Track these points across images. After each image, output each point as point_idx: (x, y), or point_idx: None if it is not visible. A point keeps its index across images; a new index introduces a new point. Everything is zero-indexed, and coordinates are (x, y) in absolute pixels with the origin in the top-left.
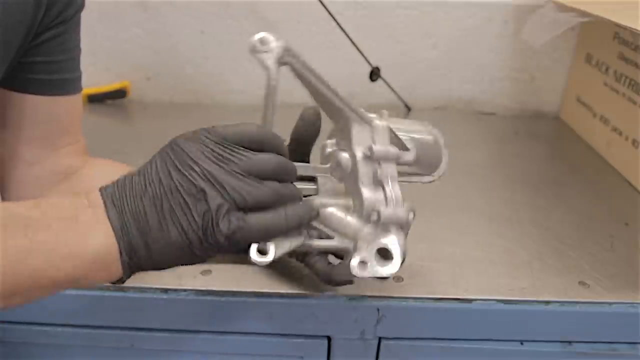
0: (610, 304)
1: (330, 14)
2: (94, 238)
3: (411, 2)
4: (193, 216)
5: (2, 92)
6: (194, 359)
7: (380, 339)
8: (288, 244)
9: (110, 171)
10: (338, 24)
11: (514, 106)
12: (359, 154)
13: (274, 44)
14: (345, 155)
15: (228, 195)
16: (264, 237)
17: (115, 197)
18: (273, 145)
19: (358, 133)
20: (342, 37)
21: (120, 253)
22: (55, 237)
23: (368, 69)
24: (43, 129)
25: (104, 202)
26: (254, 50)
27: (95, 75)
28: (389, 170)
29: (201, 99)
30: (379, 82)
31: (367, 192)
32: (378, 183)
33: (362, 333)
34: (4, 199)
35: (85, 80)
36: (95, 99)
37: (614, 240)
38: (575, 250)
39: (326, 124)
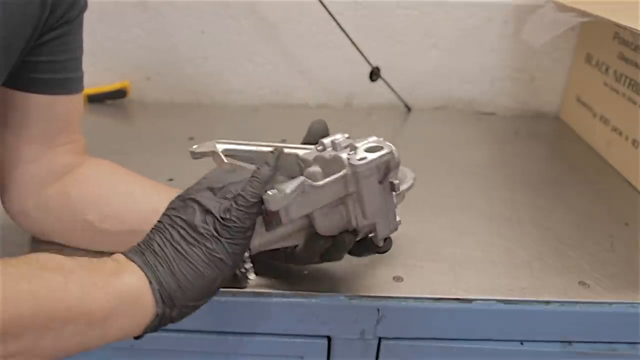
0: (610, 304)
1: (330, 14)
2: (123, 274)
3: (411, 2)
4: (202, 226)
5: (5, 91)
6: (194, 359)
7: (380, 339)
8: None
9: (106, 172)
10: (338, 24)
11: (514, 106)
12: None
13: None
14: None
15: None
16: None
17: (133, 249)
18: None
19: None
20: (342, 37)
21: (150, 282)
22: (87, 273)
23: (368, 69)
24: (44, 127)
25: (124, 254)
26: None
27: (95, 75)
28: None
29: (201, 99)
30: (379, 82)
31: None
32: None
33: (362, 333)
34: (2, 198)
35: (85, 80)
36: (95, 99)
37: (614, 240)
38: (575, 250)
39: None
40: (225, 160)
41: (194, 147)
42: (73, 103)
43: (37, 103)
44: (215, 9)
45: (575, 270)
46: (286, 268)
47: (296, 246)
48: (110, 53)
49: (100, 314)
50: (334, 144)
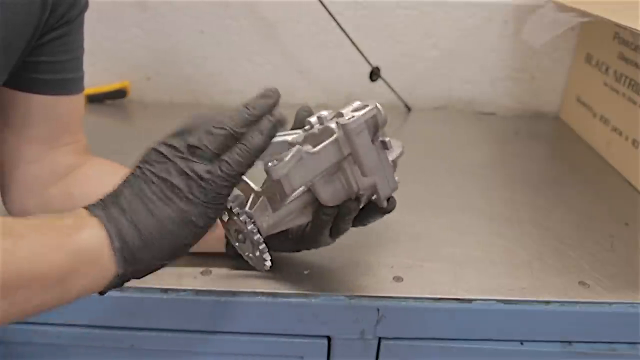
0: (610, 304)
1: (330, 14)
2: (82, 230)
3: (411, 2)
4: (177, 186)
5: (6, 91)
6: (193, 359)
7: (380, 339)
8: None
9: (108, 171)
10: (338, 24)
11: (514, 106)
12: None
13: None
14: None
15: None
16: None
17: (97, 203)
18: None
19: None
20: (342, 37)
21: (111, 239)
22: (40, 235)
23: (368, 69)
24: (45, 128)
25: (87, 208)
26: None
27: (94, 75)
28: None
29: (200, 99)
30: (379, 82)
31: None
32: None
33: (362, 333)
34: (4, 199)
35: (84, 80)
36: (95, 99)
37: (614, 240)
38: (575, 250)
39: None
40: None
41: None
42: (74, 103)
43: (38, 103)
44: (214, 9)
45: (575, 270)
46: (286, 268)
47: (305, 228)
48: (110, 53)
49: (55, 276)
50: (320, 119)
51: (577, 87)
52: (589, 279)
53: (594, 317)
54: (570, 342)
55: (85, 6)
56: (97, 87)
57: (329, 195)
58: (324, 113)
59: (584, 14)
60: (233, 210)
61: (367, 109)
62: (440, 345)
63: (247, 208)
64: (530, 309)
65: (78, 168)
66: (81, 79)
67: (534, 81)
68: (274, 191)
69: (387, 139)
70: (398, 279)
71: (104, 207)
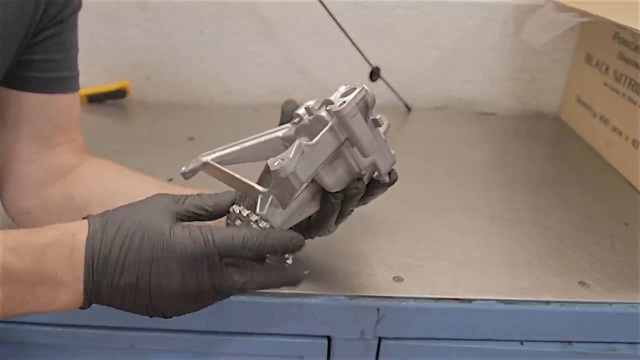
0: (610, 304)
1: (330, 14)
2: (65, 297)
3: (411, 2)
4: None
5: (0, 90)
6: (193, 359)
7: (380, 339)
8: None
9: (108, 171)
10: (338, 24)
11: (514, 106)
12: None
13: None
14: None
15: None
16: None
17: (98, 265)
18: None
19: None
20: (342, 37)
21: (83, 305)
22: (31, 292)
23: (368, 69)
24: (40, 126)
25: (86, 266)
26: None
27: (94, 75)
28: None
29: (200, 99)
30: (379, 82)
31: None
32: None
33: (362, 333)
34: (1, 198)
35: (84, 80)
36: (95, 99)
37: (614, 240)
38: (575, 250)
39: None
40: (218, 166)
41: (183, 168)
42: (69, 102)
43: (32, 102)
44: (214, 9)
45: (575, 270)
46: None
47: (310, 217)
48: (110, 53)
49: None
50: (308, 110)
51: (577, 87)
52: (589, 279)
53: (594, 317)
54: (570, 342)
55: (79, 6)
56: (97, 87)
57: (333, 181)
58: (311, 103)
59: (583, 14)
60: (246, 215)
61: (355, 92)
62: (440, 345)
63: (258, 210)
64: (530, 309)
65: (76, 168)
66: (76, 78)
67: (534, 81)
68: (281, 189)
69: (377, 117)
70: (398, 279)
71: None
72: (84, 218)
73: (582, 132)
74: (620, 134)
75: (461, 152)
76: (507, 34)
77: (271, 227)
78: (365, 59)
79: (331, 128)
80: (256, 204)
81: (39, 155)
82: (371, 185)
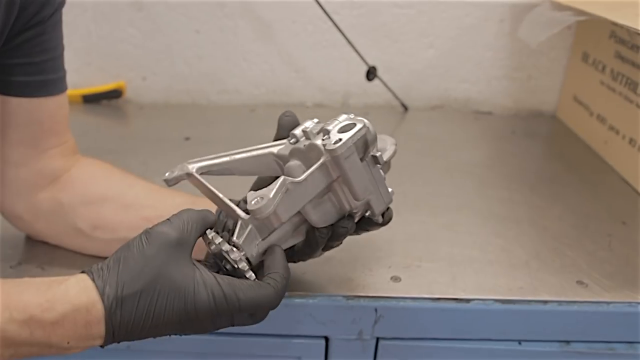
0: (608, 303)
1: (326, 13)
2: (77, 350)
3: (407, 1)
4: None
5: None
6: (191, 359)
7: (378, 339)
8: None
9: (96, 175)
10: (334, 23)
11: (511, 105)
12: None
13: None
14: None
15: None
16: None
17: (119, 335)
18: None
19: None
20: (339, 37)
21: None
22: (38, 353)
23: (364, 69)
24: (28, 131)
25: (105, 340)
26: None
27: (90, 75)
28: None
29: (197, 98)
30: (376, 81)
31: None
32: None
33: (359, 333)
34: None
35: (80, 80)
36: (90, 99)
37: (612, 239)
38: (573, 249)
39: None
40: (201, 180)
41: (167, 174)
42: (56, 105)
43: (19, 106)
44: (210, 8)
45: (573, 270)
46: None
47: (294, 245)
48: (106, 53)
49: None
50: (305, 133)
51: (574, 86)
52: (587, 278)
53: (592, 316)
54: (568, 342)
55: (61, 4)
56: (92, 87)
57: (320, 217)
58: (309, 125)
59: (580, 12)
60: (218, 244)
61: (355, 129)
62: (438, 345)
63: (235, 237)
64: (528, 308)
65: (66, 172)
66: (62, 79)
67: (531, 80)
68: (260, 222)
69: (378, 154)
70: (396, 279)
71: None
72: (82, 272)
73: (579, 131)
74: (618, 132)
75: (458, 152)
76: (503, 33)
77: (246, 257)
78: (362, 58)
79: (322, 165)
80: (235, 226)
81: (30, 160)
82: (363, 222)
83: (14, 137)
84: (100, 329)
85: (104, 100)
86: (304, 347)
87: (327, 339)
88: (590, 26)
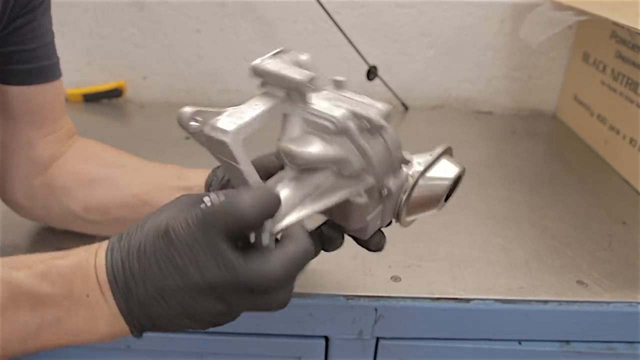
0: (608, 303)
1: (327, 12)
2: (104, 321)
3: (408, 0)
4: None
5: None
6: (191, 359)
7: (378, 338)
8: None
9: (90, 157)
10: (335, 22)
11: (512, 105)
12: None
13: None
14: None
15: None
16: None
17: (120, 280)
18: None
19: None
20: (339, 36)
21: (131, 331)
22: (66, 315)
23: (365, 68)
24: (26, 119)
25: (110, 285)
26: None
27: (91, 74)
28: None
29: (197, 98)
30: (376, 81)
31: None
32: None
33: (359, 333)
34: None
35: (81, 79)
36: (91, 98)
37: (612, 239)
38: (573, 249)
39: None
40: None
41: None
42: (53, 91)
43: (17, 95)
44: (211, 8)
45: (573, 270)
46: None
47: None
48: (106, 52)
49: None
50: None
51: (575, 86)
52: (587, 278)
53: (592, 316)
54: (568, 342)
55: None
56: (93, 86)
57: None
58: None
59: (581, 12)
60: None
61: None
62: (438, 345)
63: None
64: (528, 308)
65: (61, 156)
66: (55, 65)
67: (531, 80)
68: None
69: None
70: (396, 278)
71: (124, 294)
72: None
73: (580, 131)
74: (618, 132)
75: (458, 151)
76: (504, 33)
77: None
78: (363, 57)
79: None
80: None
81: (27, 147)
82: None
83: (12, 126)
84: (103, 274)
85: (105, 99)
86: (304, 347)
87: (327, 339)
88: (591, 26)
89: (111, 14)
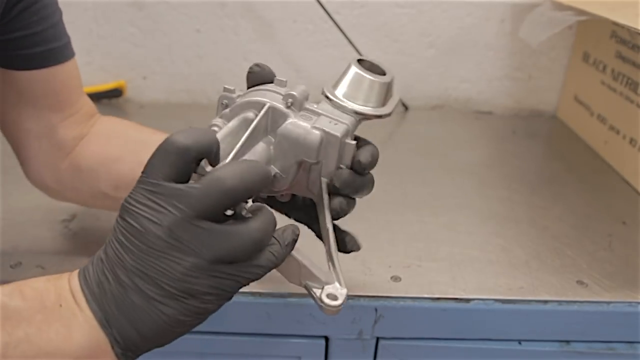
0: (608, 303)
1: (327, 12)
2: (79, 331)
3: (408, 0)
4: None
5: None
6: (191, 359)
7: (378, 338)
8: None
9: (113, 135)
10: (335, 22)
11: (512, 105)
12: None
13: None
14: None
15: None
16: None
17: (91, 281)
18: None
19: None
20: (339, 36)
21: (112, 346)
22: (36, 331)
23: None
24: (43, 103)
25: (82, 291)
26: None
27: (90, 74)
28: None
29: (197, 98)
30: None
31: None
32: None
33: (359, 333)
34: (24, 172)
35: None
36: (91, 98)
37: (612, 239)
38: (573, 249)
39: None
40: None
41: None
42: (66, 72)
43: (30, 80)
44: (211, 8)
45: (573, 270)
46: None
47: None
48: (106, 52)
49: None
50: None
51: (575, 86)
52: (587, 278)
53: (592, 316)
54: (568, 342)
55: None
56: (93, 86)
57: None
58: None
59: (581, 12)
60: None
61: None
62: (438, 345)
63: None
64: (528, 308)
65: (84, 137)
66: (67, 45)
67: (531, 80)
68: None
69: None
70: (396, 278)
71: (99, 300)
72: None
73: (580, 131)
74: (618, 132)
75: (458, 152)
76: (504, 33)
77: None
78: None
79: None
80: None
81: (50, 130)
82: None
83: (32, 112)
84: (75, 280)
85: (105, 99)
86: (304, 347)
87: (327, 339)
88: (591, 26)
89: (111, 13)
